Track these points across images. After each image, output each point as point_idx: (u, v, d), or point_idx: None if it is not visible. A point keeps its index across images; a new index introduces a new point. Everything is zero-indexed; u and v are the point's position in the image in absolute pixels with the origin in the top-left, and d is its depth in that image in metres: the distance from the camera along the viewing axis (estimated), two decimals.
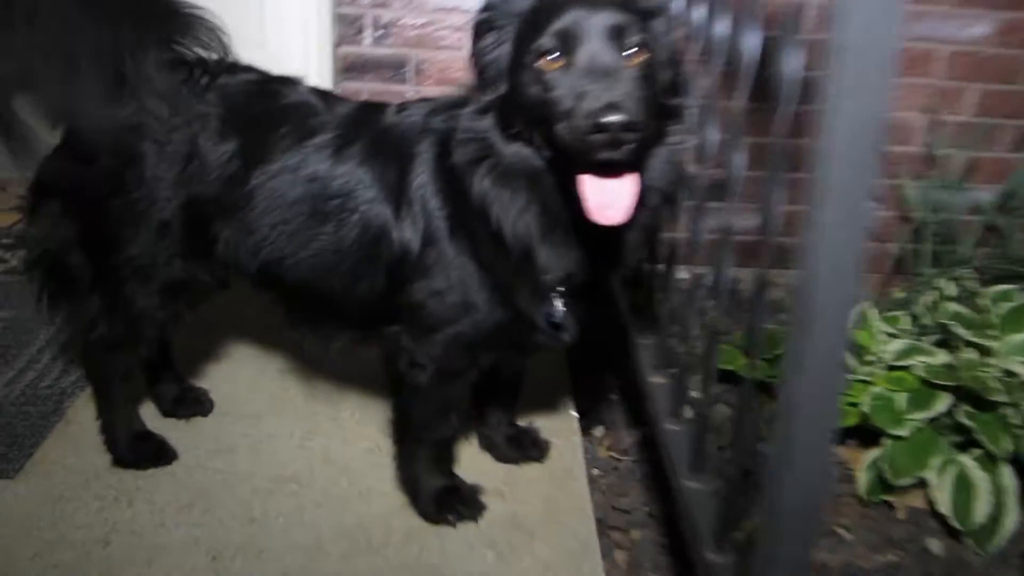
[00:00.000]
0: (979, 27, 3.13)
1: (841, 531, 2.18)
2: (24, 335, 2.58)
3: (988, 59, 3.17)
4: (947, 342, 2.42)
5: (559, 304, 1.65)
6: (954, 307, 2.41)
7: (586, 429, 2.44)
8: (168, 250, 1.78)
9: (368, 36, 3.14)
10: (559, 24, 1.38)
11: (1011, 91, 3.21)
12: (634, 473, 2.32)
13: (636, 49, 1.39)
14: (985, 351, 2.29)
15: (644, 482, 2.29)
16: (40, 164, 1.78)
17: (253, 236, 1.75)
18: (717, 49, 1.71)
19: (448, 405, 1.83)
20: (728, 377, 2.22)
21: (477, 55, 1.55)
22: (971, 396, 2.19)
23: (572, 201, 1.42)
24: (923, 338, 2.46)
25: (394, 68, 3.19)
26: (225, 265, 1.84)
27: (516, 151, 1.50)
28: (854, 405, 2.30)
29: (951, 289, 2.63)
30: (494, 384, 2.07)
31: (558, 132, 1.34)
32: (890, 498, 2.25)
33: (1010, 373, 2.25)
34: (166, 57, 1.71)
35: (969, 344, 2.32)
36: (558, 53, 1.38)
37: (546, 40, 1.39)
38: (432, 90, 3.21)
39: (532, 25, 1.43)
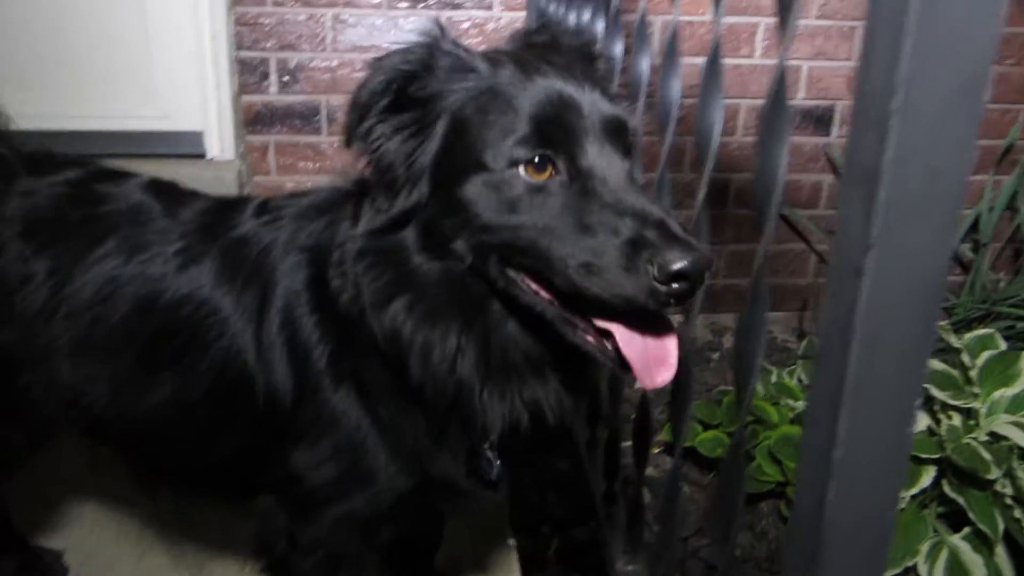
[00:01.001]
0: None
1: None
2: None
3: None
4: (927, 400, 2.19)
5: (493, 458, 1.29)
6: (933, 364, 2.18)
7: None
8: None
9: (274, 83, 2.83)
10: (543, 108, 1.03)
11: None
12: None
13: (631, 143, 1.08)
14: (968, 414, 2.06)
15: None
16: None
17: (70, 390, 1.37)
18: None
19: None
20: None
21: (377, 140, 1.10)
22: (957, 468, 1.96)
23: (530, 328, 1.10)
24: None
25: (305, 117, 2.88)
26: (45, 421, 1.47)
27: (445, 272, 1.10)
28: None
29: None
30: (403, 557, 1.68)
31: (569, 277, 0.99)
32: None
33: (997, 436, 2.02)
34: None
35: (948, 407, 2.09)
36: (545, 161, 1.02)
37: (525, 142, 1.02)
38: None
39: (489, 107, 1.05)
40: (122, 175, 1.48)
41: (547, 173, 1.02)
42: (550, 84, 1.04)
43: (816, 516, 0.73)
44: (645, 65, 1.43)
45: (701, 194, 1.19)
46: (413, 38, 1.10)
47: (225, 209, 1.41)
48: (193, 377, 1.31)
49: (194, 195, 1.47)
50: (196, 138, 2.87)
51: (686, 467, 2.36)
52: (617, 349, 1.02)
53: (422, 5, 2.81)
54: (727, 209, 3.10)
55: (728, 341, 3.11)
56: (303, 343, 1.25)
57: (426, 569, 1.74)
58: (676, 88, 1.29)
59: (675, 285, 0.92)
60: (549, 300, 1.06)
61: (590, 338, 1.05)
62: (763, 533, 2.25)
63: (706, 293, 1.18)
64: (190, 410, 1.34)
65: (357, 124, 1.10)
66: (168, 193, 1.45)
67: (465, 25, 2.84)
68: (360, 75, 2.93)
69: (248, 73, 2.82)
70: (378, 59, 1.10)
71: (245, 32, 2.77)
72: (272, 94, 2.85)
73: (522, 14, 2.82)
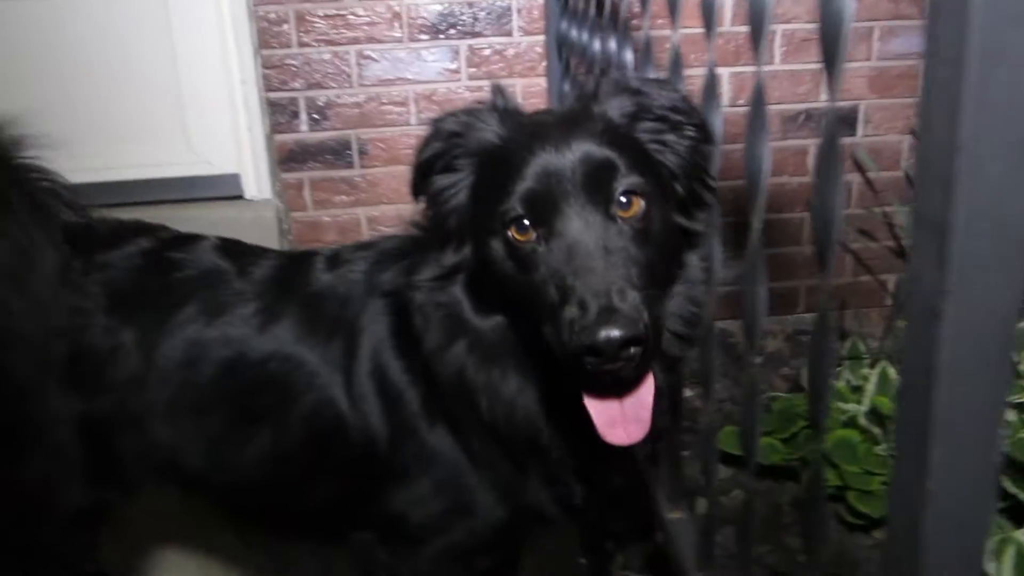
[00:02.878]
0: None
1: None
2: None
3: None
4: None
5: (572, 484, 1.33)
6: None
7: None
8: (67, 476, 1.43)
9: (304, 121, 2.89)
10: (526, 183, 1.07)
11: None
12: None
13: (629, 196, 1.08)
14: (1023, 409, 2.06)
15: None
16: None
17: (165, 450, 1.42)
18: None
19: None
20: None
21: (431, 198, 1.21)
22: (1016, 463, 1.96)
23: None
24: None
25: (337, 152, 2.93)
26: (137, 481, 1.49)
27: (495, 327, 1.18)
28: (888, 484, 2.05)
29: None
30: None
31: (544, 334, 1.04)
32: None
33: None
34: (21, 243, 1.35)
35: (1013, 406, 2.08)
36: (527, 223, 1.07)
37: (512, 205, 1.07)
38: (381, 171, 2.96)
39: (495, 173, 1.12)
40: (191, 239, 1.53)
41: (529, 235, 1.07)
42: (543, 155, 1.09)
43: (912, 544, 0.75)
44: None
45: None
46: (473, 100, 1.18)
47: (296, 264, 1.47)
48: (287, 429, 1.37)
49: (262, 252, 1.53)
50: (234, 180, 2.93)
51: (737, 473, 2.37)
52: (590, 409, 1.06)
53: (442, 36, 2.85)
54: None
55: (771, 344, 3.11)
56: (394, 387, 1.32)
57: None
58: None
59: (588, 359, 0.95)
60: None
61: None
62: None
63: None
64: (285, 460, 1.39)
65: (419, 181, 1.20)
66: (237, 253, 1.50)
67: (486, 52, 2.88)
68: (388, 107, 2.98)
69: (279, 113, 2.88)
70: (436, 120, 1.19)
71: (273, 74, 2.83)
72: (303, 132, 2.90)
73: (542, 38, 2.85)
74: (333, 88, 2.87)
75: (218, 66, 2.82)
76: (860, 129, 3.08)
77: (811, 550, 1.12)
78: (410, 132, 2.92)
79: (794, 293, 3.24)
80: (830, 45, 0.85)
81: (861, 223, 3.13)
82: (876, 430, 2.24)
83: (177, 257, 1.47)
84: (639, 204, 1.08)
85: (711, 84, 1.27)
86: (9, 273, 1.31)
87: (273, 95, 2.86)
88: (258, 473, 1.41)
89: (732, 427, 2.31)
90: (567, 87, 2.57)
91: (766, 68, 3.00)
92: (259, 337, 1.38)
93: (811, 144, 3.06)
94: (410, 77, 2.87)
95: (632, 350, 0.96)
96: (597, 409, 1.06)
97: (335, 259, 1.45)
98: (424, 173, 1.19)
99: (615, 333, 0.93)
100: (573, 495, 1.32)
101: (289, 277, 1.44)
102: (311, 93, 2.87)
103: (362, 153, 2.94)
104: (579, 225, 1.04)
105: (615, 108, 1.17)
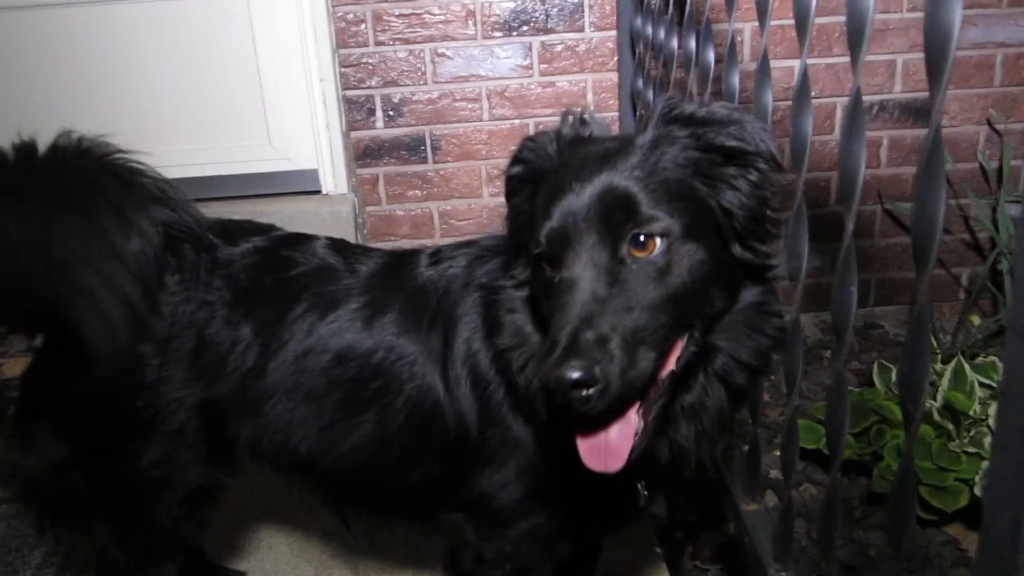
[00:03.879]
0: None
1: None
2: (10, 557, 2.06)
3: None
4: None
5: (641, 482, 1.37)
6: None
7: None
8: (184, 457, 1.55)
9: (380, 118, 2.98)
10: (551, 221, 1.12)
11: None
12: None
13: (646, 237, 1.08)
14: None
15: None
16: (24, 378, 1.55)
17: (279, 434, 1.52)
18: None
19: None
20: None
21: (511, 212, 1.30)
22: None
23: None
24: None
25: (411, 148, 3.02)
26: (242, 463, 1.61)
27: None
28: (964, 482, 2.05)
29: None
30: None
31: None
32: None
33: None
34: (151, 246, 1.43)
35: None
36: (547, 260, 1.13)
37: (539, 240, 1.13)
38: (454, 166, 3.04)
39: (543, 202, 1.17)
40: (304, 238, 1.62)
41: (551, 268, 1.13)
42: (570, 192, 1.12)
43: (1012, 538, 0.79)
44: (735, 79, 1.54)
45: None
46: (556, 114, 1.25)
47: (400, 262, 1.56)
48: (390, 415, 1.45)
49: (369, 251, 1.62)
50: (312, 175, 3.05)
51: (807, 467, 2.39)
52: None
53: (515, 33, 2.91)
54: (827, 208, 3.10)
55: None
56: (483, 376, 1.39)
57: None
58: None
59: (556, 395, 0.99)
60: None
61: None
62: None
63: (811, 292, 1.20)
64: (388, 444, 1.47)
65: (509, 196, 1.29)
66: (345, 251, 1.60)
67: (558, 48, 2.93)
68: (461, 104, 3.06)
69: (355, 111, 2.98)
70: (527, 138, 1.27)
71: (350, 73, 2.93)
72: (379, 128, 3.00)
73: (613, 33, 2.89)
74: (408, 85, 2.95)
75: (298, 65, 2.94)
76: None
77: (896, 544, 1.15)
78: (482, 128, 2.99)
79: (865, 286, 3.22)
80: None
81: None
82: (949, 426, 2.24)
83: (291, 255, 1.57)
84: (655, 244, 1.08)
85: (803, 84, 1.29)
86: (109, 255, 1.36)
87: (350, 92, 2.96)
88: (362, 457, 1.50)
89: (804, 421, 2.33)
90: (640, 83, 2.60)
91: (831, 59, 2.99)
92: (367, 329, 1.47)
93: (884, 136, 3.04)
94: (483, 74, 2.94)
95: (584, 392, 0.98)
96: (580, 437, 1.11)
97: (437, 255, 1.53)
98: (509, 191, 1.29)
99: (565, 374, 0.96)
100: (640, 489, 1.36)
101: (394, 273, 1.53)
102: (387, 90, 2.96)
103: (435, 149, 3.02)
104: (579, 264, 1.08)
105: (665, 139, 1.15)
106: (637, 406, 1.09)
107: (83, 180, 1.40)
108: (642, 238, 1.08)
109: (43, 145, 1.42)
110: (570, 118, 1.27)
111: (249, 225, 1.63)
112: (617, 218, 1.08)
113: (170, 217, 1.46)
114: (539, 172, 1.23)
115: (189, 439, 1.51)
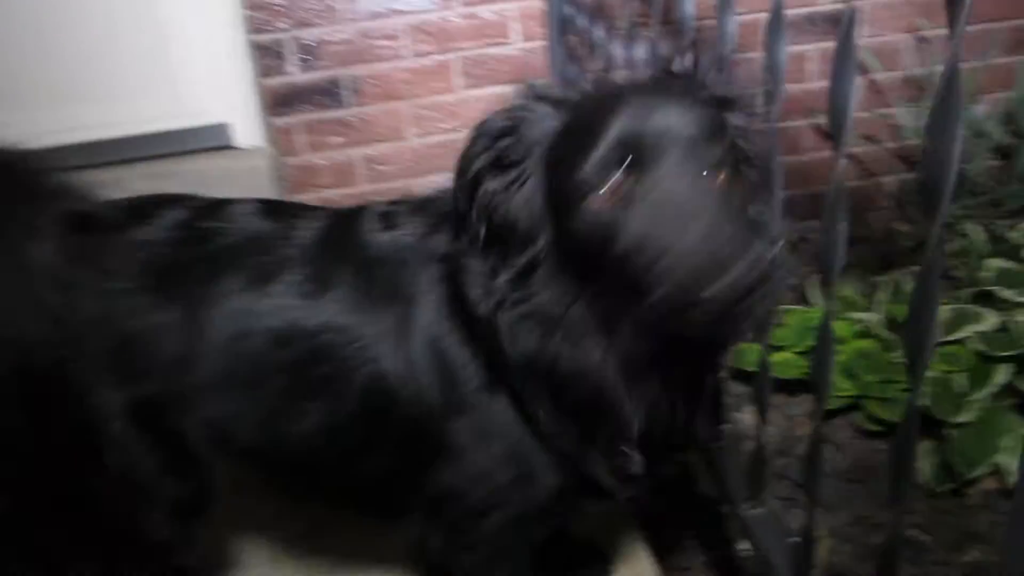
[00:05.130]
0: None
1: (914, 532, 2.02)
2: None
3: None
4: (988, 295, 2.23)
5: (635, 455, 1.27)
6: (996, 264, 2.21)
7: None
8: (142, 468, 1.37)
9: (292, 63, 2.79)
10: (617, 130, 1.01)
11: None
12: None
13: (719, 165, 1.03)
14: None
15: None
16: None
17: (220, 424, 1.37)
18: None
19: None
20: None
21: (484, 205, 1.13)
22: None
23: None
24: (959, 296, 2.27)
25: (329, 93, 2.85)
26: (207, 472, 1.44)
27: (576, 306, 1.11)
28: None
29: (978, 234, 2.43)
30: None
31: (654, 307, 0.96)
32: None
33: None
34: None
35: (1016, 304, 2.13)
36: (620, 177, 1.00)
37: (600, 158, 1.01)
38: (376, 109, 2.88)
39: (572, 146, 1.05)
40: (227, 204, 1.44)
41: (619, 197, 1.03)
42: (628, 105, 1.05)
43: None
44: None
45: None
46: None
47: (345, 226, 1.39)
48: (340, 403, 1.32)
49: (305, 211, 1.44)
50: (223, 130, 2.86)
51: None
52: None
53: None
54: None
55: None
56: (452, 360, 1.26)
57: (570, 551, 1.77)
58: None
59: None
60: None
61: None
62: (840, 446, 2.33)
63: None
64: (338, 436, 1.34)
65: (467, 194, 1.14)
66: (279, 214, 1.42)
67: None
68: (379, 42, 2.88)
69: (265, 56, 2.77)
70: (479, 124, 1.14)
71: (257, 15, 2.71)
72: (292, 74, 2.81)
73: None
74: (321, 25, 2.76)
75: (199, 11, 2.70)
76: (865, 29, 3.01)
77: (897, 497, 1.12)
78: (404, 66, 2.84)
79: (795, 201, 3.23)
80: None
81: (865, 128, 3.10)
82: (892, 337, 2.29)
83: (216, 225, 1.39)
84: (724, 174, 1.06)
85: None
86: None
87: (258, 37, 2.74)
88: (312, 447, 1.37)
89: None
90: (569, 9, 2.48)
91: None
92: (311, 306, 1.31)
93: (809, 49, 3.01)
94: (401, 8, 2.77)
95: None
96: None
97: (388, 218, 1.37)
98: (474, 185, 1.13)
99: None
100: (633, 465, 1.27)
101: (339, 240, 1.36)
102: (298, 32, 2.76)
103: (355, 92, 2.85)
104: (676, 172, 1.02)
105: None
106: None
107: None
108: (719, 165, 1.06)
109: None
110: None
111: (158, 198, 1.45)
112: (707, 135, 1.04)
113: (69, 209, 1.29)
114: (541, 135, 1.11)
115: (136, 447, 1.35)
